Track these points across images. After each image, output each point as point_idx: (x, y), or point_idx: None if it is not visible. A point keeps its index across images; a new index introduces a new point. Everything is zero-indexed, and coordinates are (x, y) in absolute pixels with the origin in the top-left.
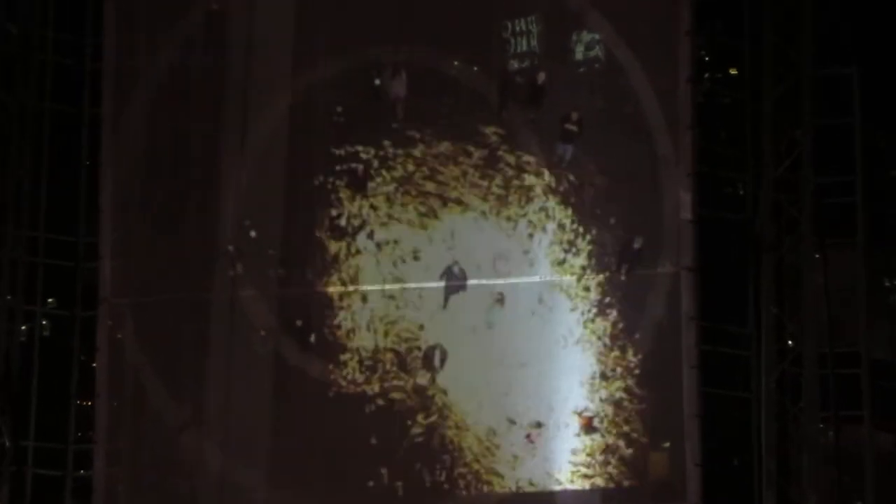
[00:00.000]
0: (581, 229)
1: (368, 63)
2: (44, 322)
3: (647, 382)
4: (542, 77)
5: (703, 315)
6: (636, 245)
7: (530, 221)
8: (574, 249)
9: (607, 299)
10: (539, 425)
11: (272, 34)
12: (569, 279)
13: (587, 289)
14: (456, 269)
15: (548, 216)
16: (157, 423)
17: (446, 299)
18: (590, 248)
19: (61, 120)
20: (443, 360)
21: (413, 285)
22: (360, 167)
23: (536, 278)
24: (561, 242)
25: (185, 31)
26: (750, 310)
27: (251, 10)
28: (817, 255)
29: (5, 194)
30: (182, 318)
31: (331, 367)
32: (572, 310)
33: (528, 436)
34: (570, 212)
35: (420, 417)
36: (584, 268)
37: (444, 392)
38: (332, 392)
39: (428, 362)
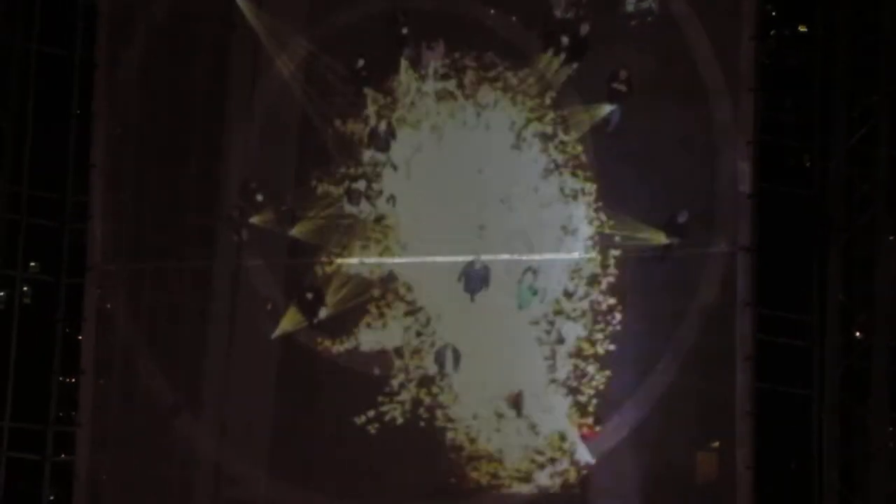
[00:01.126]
0: (625, 202)
1: (394, 8)
2: (24, 288)
3: (696, 374)
4: (584, 28)
5: (760, 301)
6: (681, 219)
7: (568, 191)
8: (615, 224)
9: (652, 280)
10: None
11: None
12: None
13: (627, 267)
14: (478, 266)
15: (587, 185)
16: (148, 406)
17: (473, 295)
18: (633, 223)
19: (49, 63)
20: (456, 361)
21: (436, 259)
22: (384, 124)
23: (575, 255)
24: (600, 216)
25: None
26: (814, 296)
27: None
28: (892, 238)
29: None
30: (180, 288)
31: (342, 347)
32: (607, 291)
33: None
34: (612, 182)
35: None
36: (625, 244)
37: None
38: (341, 375)
39: (440, 360)
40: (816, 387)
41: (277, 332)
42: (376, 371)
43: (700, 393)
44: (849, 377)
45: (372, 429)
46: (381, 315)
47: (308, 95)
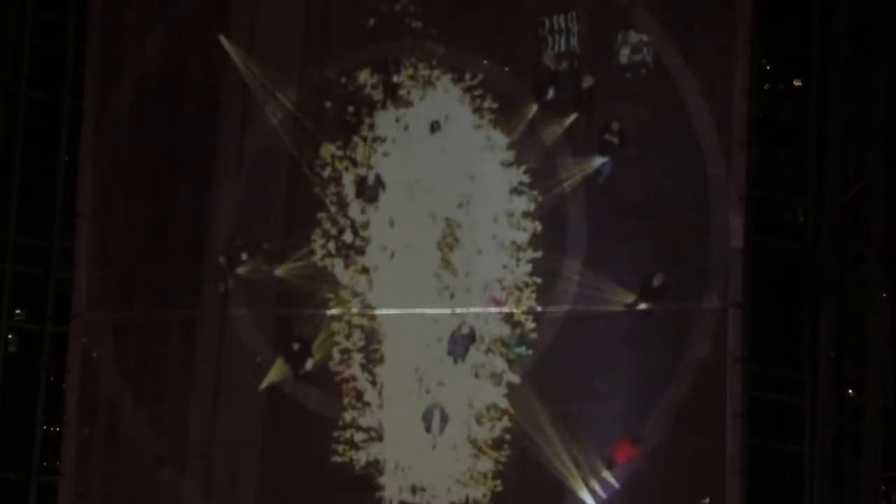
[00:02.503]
0: (615, 254)
1: (386, 59)
2: (9, 336)
3: (686, 430)
4: (587, 81)
5: (751, 357)
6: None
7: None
8: (607, 275)
9: (641, 335)
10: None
11: (279, 19)
12: (599, 309)
13: (622, 321)
14: (465, 330)
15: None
16: (133, 456)
17: (456, 359)
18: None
19: (38, 110)
20: (443, 425)
21: (425, 311)
22: (372, 175)
23: (565, 307)
24: (592, 266)
25: (179, 12)
26: (805, 353)
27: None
28: (885, 295)
29: None
30: (165, 337)
31: (329, 398)
32: (600, 346)
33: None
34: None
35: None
36: (618, 298)
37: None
38: (329, 427)
39: (427, 424)
40: (808, 444)
41: (264, 384)
42: (363, 422)
43: (690, 450)
44: (841, 435)
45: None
46: (369, 362)
47: (297, 144)
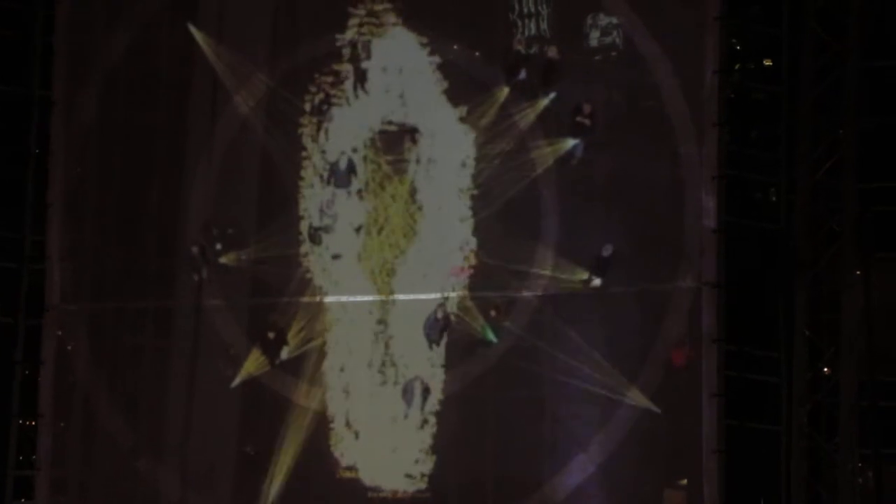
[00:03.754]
0: (587, 236)
1: (355, 45)
2: None
3: (663, 411)
4: (552, 51)
5: (727, 337)
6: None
7: (529, 225)
8: (578, 258)
9: (618, 315)
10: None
11: (247, 8)
12: (570, 292)
13: (595, 302)
14: (440, 314)
15: (549, 219)
16: (109, 448)
17: (432, 344)
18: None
19: (7, 102)
20: (425, 396)
21: (399, 297)
22: (344, 160)
23: (537, 292)
24: (563, 251)
25: (150, 7)
26: (781, 332)
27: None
28: (858, 272)
29: None
30: (140, 328)
31: (304, 386)
32: (575, 326)
33: None
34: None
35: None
36: (587, 280)
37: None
38: (304, 415)
39: (408, 396)
40: (785, 423)
41: (240, 376)
42: (338, 410)
43: (668, 430)
44: (817, 413)
45: (339, 473)
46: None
47: (268, 132)
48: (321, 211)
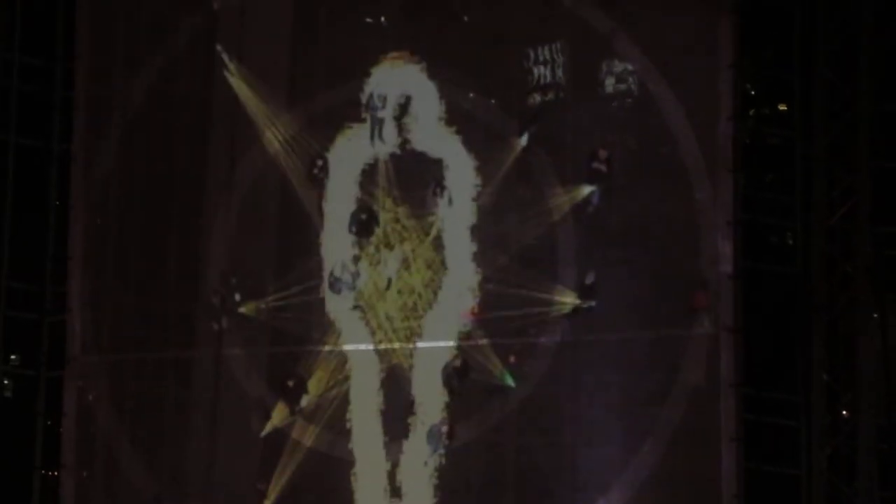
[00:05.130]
0: (605, 282)
1: (373, 94)
2: (5, 382)
3: (681, 455)
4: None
5: (745, 381)
6: (588, 281)
7: (547, 271)
8: (597, 303)
9: (635, 360)
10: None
11: (265, 59)
12: (590, 338)
13: (613, 348)
14: (458, 363)
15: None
16: (132, 497)
17: (450, 390)
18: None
19: (28, 155)
20: (447, 440)
21: (419, 345)
22: (366, 211)
23: (556, 339)
24: (583, 294)
25: (167, 55)
26: (799, 376)
27: (242, 31)
28: (875, 315)
29: None
30: (161, 378)
31: (325, 434)
32: (593, 371)
33: None
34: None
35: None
36: (608, 324)
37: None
38: (324, 461)
39: (433, 440)
40: (804, 466)
41: (267, 429)
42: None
43: (687, 474)
44: (836, 456)
45: None
46: (367, 395)
47: (286, 181)
48: (341, 260)
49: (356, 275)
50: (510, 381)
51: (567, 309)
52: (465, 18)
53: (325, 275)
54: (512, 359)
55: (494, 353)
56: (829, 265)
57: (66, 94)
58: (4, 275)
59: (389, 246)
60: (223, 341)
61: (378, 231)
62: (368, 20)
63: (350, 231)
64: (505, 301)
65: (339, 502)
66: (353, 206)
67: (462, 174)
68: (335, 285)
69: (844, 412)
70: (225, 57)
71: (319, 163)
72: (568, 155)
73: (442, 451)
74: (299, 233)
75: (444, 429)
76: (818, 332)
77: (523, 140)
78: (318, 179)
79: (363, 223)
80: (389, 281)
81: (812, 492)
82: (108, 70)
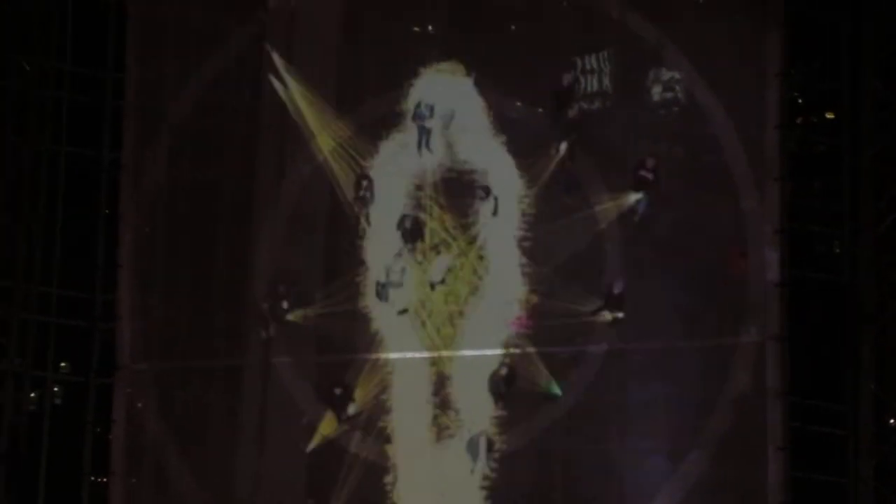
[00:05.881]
0: (652, 290)
1: (420, 103)
2: (55, 389)
3: (729, 464)
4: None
5: (792, 389)
6: (616, 290)
7: (593, 280)
8: (645, 311)
9: (682, 369)
10: None
11: (314, 70)
12: (636, 346)
13: (660, 356)
14: (504, 371)
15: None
16: None
17: (497, 399)
18: (664, 310)
19: (78, 164)
20: (490, 450)
21: (465, 353)
22: (409, 220)
23: (604, 347)
24: (629, 304)
25: (217, 65)
26: (846, 384)
27: (290, 44)
28: None
29: (16, 246)
30: (209, 386)
31: (369, 441)
32: (640, 380)
33: None
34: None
35: None
36: (654, 333)
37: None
38: (374, 470)
39: (473, 450)
40: (851, 475)
41: (315, 440)
42: (407, 466)
43: (733, 483)
44: (884, 466)
45: None
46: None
47: (334, 188)
48: (387, 267)
49: (402, 282)
50: (557, 390)
51: (608, 318)
52: (513, 28)
53: (372, 283)
54: (558, 367)
55: (541, 361)
56: (878, 274)
57: (116, 104)
58: (55, 283)
59: (436, 251)
60: (271, 349)
61: (425, 238)
62: (416, 29)
63: (399, 237)
64: (551, 310)
65: None
66: (399, 214)
67: (508, 183)
68: (382, 292)
69: (892, 421)
70: (276, 60)
71: (366, 177)
72: (614, 163)
73: (484, 461)
74: (346, 241)
75: (483, 440)
76: (866, 341)
77: (562, 147)
78: (365, 189)
79: (409, 230)
80: (433, 286)
81: (859, 500)
82: (157, 80)
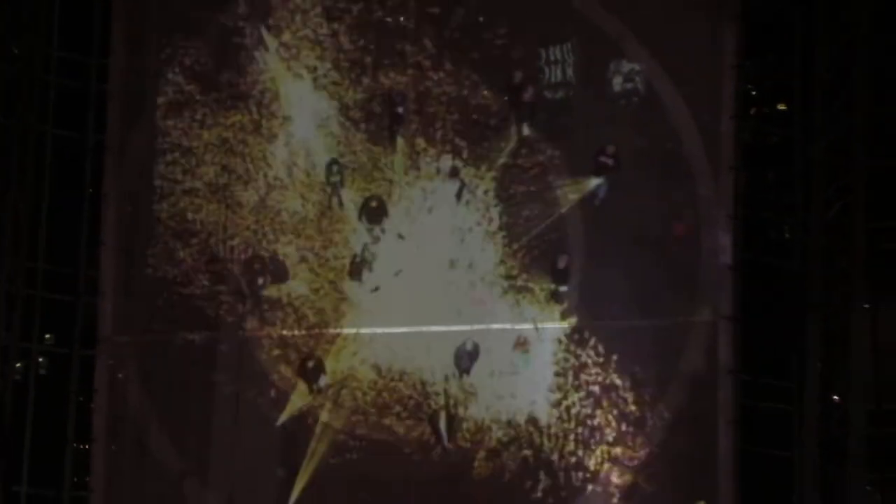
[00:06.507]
0: (611, 271)
1: (391, 91)
2: (40, 360)
3: (682, 436)
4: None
5: (742, 367)
6: (560, 265)
7: (554, 261)
8: (603, 292)
9: (640, 346)
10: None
11: (291, 55)
12: (597, 324)
13: (618, 334)
14: (469, 346)
15: (574, 256)
16: (158, 470)
17: (462, 373)
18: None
19: (64, 145)
20: (450, 424)
21: (432, 328)
22: (375, 200)
23: (565, 324)
24: (587, 286)
25: (197, 50)
26: (794, 363)
27: (267, 29)
28: (867, 307)
29: (3, 222)
30: (187, 358)
31: (341, 411)
32: (600, 357)
33: None
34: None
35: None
36: (615, 311)
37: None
38: (343, 440)
39: (434, 425)
40: (796, 449)
41: (288, 410)
42: (375, 435)
43: (687, 454)
44: (827, 441)
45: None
46: (382, 378)
47: (311, 169)
48: (360, 246)
49: (373, 261)
50: (521, 365)
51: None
52: (481, 19)
53: (345, 262)
54: (522, 341)
55: (505, 337)
56: (826, 259)
57: (100, 87)
58: (41, 258)
59: (401, 235)
60: (246, 323)
61: (390, 219)
62: (388, 20)
63: (360, 219)
64: (514, 288)
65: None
66: (366, 195)
67: (475, 166)
68: (354, 271)
69: (836, 398)
70: (265, 36)
71: (336, 163)
72: (577, 149)
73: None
74: (322, 220)
75: (443, 414)
76: (813, 322)
77: (524, 130)
78: (335, 173)
79: (374, 211)
80: (398, 268)
81: (804, 473)
82: (140, 65)
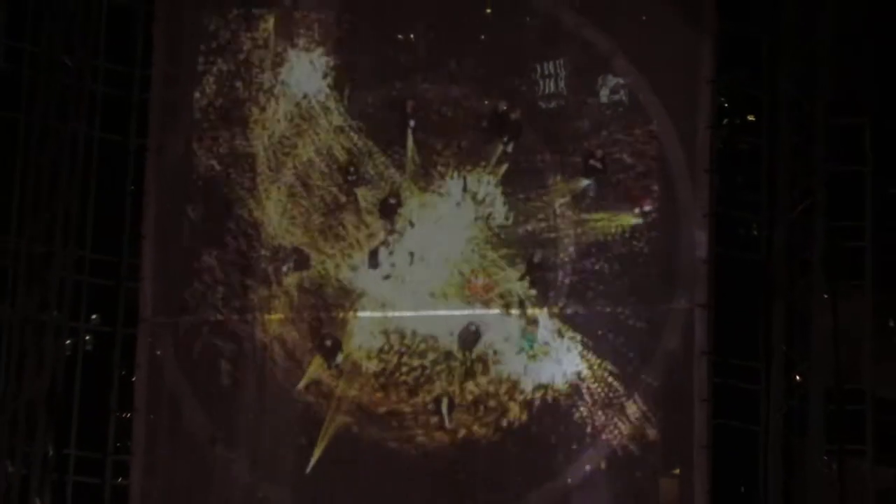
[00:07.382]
0: (600, 263)
1: (392, 101)
2: (87, 338)
3: (661, 412)
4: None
5: (715, 349)
6: (535, 259)
7: (548, 253)
8: (593, 280)
9: (624, 330)
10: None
11: (314, 69)
12: (585, 309)
13: (605, 320)
14: (472, 328)
15: (567, 249)
16: (191, 437)
17: (465, 351)
18: (612, 280)
19: (109, 148)
20: (450, 410)
21: (439, 312)
22: (394, 197)
23: (555, 310)
24: (577, 276)
25: (230, 62)
26: (761, 346)
27: (291, 38)
28: (826, 296)
29: (55, 216)
30: (218, 337)
31: (354, 385)
32: (586, 341)
33: None
34: (590, 246)
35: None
36: (604, 298)
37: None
38: (353, 411)
39: (437, 409)
40: (763, 423)
41: (305, 379)
42: (383, 408)
43: (664, 427)
44: (791, 415)
45: (388, 462)
46: (390, 357)
47: (336, 168)
48: (377, 239)
49: (390, 251)
50: (527, 346)
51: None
52: (482, 38)
53: (363, 252)
54: (523, 325)
55: (505, 321)
56: (790, 253)
57: (142, 96)
58: (89, 248)
59: (413, 225)
60: (271, 307)
61: (403, 212)
62: (399, 36)
63: (377, 214)
64: (510, 276)
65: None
66: (383, 195)
67: (477, 166)
68: (372, 261)
69: (798, 378)
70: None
71: (354, 165)
72: (568, 153)
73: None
74: (340, 210)
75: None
76: (778, 309)
77: (509, 148)
78: (353, 173)
79: (390, 206)
80: (412, 256)
81: (770, 444)
82: (179, 76)
